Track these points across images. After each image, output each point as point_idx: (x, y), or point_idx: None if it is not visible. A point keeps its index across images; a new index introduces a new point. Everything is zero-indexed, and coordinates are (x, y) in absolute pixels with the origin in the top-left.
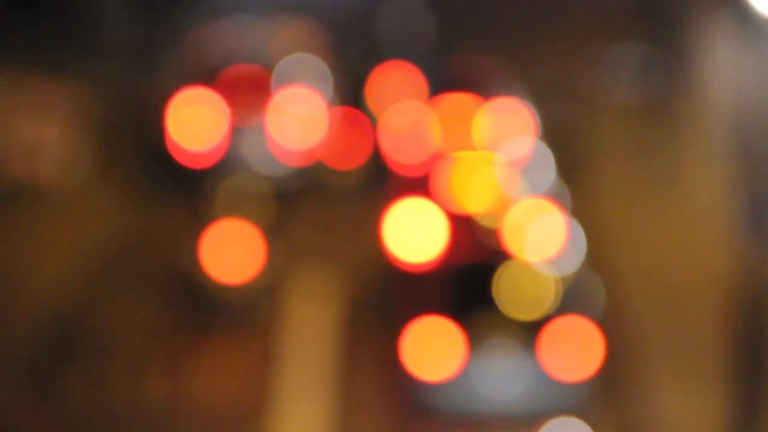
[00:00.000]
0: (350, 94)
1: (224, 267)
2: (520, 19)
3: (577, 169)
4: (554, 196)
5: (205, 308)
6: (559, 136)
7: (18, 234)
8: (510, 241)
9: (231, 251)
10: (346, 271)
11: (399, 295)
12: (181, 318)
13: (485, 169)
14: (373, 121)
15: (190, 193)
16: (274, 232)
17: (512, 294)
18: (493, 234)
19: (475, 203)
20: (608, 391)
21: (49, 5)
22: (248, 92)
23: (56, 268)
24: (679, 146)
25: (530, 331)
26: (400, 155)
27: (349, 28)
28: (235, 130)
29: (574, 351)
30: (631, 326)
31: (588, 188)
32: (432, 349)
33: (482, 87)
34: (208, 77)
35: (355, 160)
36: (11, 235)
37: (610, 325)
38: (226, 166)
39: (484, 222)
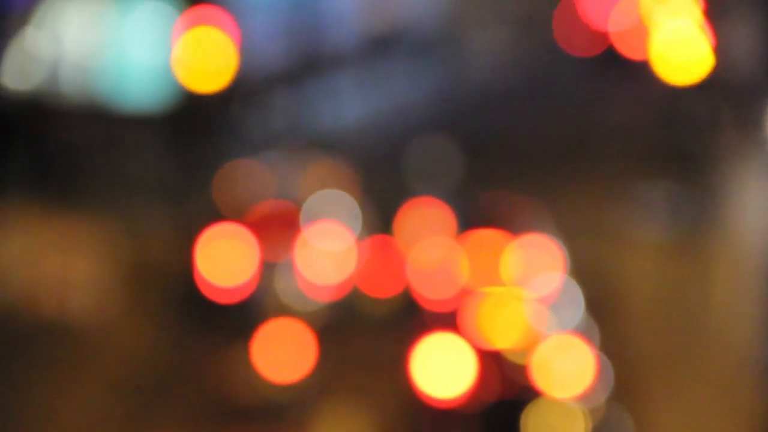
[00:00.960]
0: (379, 227)
1: None
2: (549, 156)
3: (605, 306)
4: (583, 332)
5: None
6: (587, 272)
7: (48, 371)
8: (539, 377)
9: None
10: (374, 406)
11: (427, 431)
12: None
13: (514, 304)
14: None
15: (221, 329)
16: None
17: (541, 431)
18: (521, 370)
19: (504, 339)
20: None
21: (73, 140)
22: (278, 228)
23: (86, 406)
24: (708, 284)
25: None
26: (428, 290)
27: (377, 164)
28: (265, 266)
29: None
30: None
31: (617, 325)
32: None
33: (511, 223)
34: (237, 213)
35: (387, 289)
36: (41, 372)
37: None
38: (256, 301)
39: (513, 358)
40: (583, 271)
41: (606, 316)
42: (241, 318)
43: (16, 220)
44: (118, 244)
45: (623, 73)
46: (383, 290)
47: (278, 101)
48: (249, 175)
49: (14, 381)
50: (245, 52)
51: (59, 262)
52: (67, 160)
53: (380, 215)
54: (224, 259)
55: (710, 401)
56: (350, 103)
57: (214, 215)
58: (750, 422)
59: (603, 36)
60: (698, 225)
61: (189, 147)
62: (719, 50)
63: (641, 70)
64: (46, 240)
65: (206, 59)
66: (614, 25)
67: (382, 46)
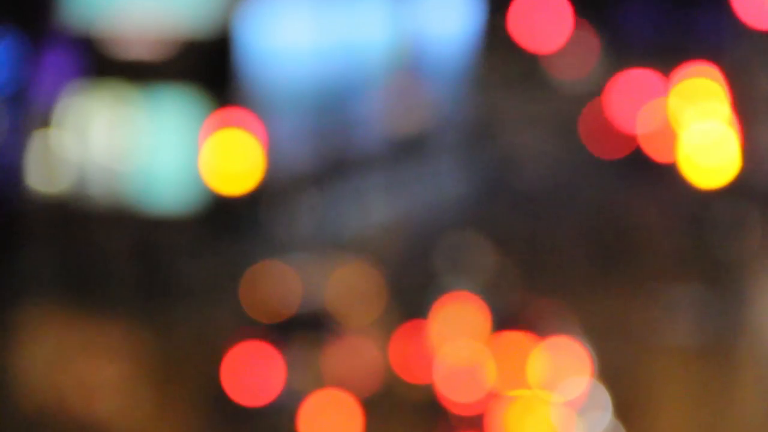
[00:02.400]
0: (411, 317)
1: None
2: (576, 257)
3: (633, 410)
4: None
5: None
6: (615, 376)
7: None
8: None
9: None
10: None
11: None
12: None
13: (541, 408)
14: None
15: (249, 428)
16: None
17: None
18: None
19: None
20: None
21: (100, 243)
22: (306, 330)
23: None
24: (736, 388)
25: None
26: (455, 392)
27: (405, 264)
28: (291, 368)
29: None
30: None
31: (644, 429)
32: None
33: (539, 325)
34: (264, 316)
35: (413, 377)
36: None
37: None
38: (283, 403)
39: None
40: (610, 375)
41: (633, 420)
42: (268, 420)
43: (45, 323)
44: (146, 346)
45: (651, 175)
46: (410, 376)
47: (306, 203)
48: (276, 277)
49: None
50: (273, 154)
51: (88, 365)
52: (95, 264)
53: (410, 308)
54: (251, 367)
55: None
56: (378, 204)
57: (242, 318)
58: None
59: (630, 138)
60: (726, 330)
61: (217, 249)
62: (747, 154)
63: (669, 173)
64: (75, 343)
65: (234, 162)
66: (642, 128)
67: (410, 148)
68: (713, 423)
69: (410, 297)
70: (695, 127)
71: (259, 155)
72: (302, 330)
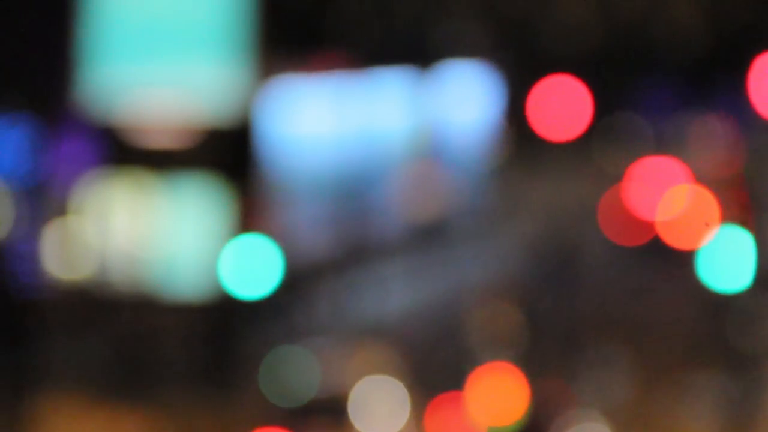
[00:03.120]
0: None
1: None
2: (598, 344)
3: None
4: None
5: None
6: None
7: None
8: None
9: None
10: None
11: None
12: None
13: None
14: None
15: None
16: None
17: None
18: None
19: None
20: None
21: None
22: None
23: None
24: None
25: None
26: None
27: (424, 349)
28: None
29: None
30: None
31: None
32: None
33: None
34: (283, 399)
35: None
36: None
37: None
38: None
39: None
40: None
41: None
42: None
43: (62, 411)
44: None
45: (670, 262)
46: None
47: (326, 289)
48: (296, 362)
49: None
50: (293, 240)
51: None
52: (113, 350)
53: (443, 382)
54: None
55: None
56: (398, 290)
57: (262, 403)
58: None
59: (649, 226)
60: (747, 418)
61: (236, 336)
62: (763, 245)
63: (688, 260)
64: (92, 429)
65: (251, 268)
66: (661, 215)
67: (430, 234)
68: None
69: (441, 372)
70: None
71: (279, 256)
72: (322, 414)
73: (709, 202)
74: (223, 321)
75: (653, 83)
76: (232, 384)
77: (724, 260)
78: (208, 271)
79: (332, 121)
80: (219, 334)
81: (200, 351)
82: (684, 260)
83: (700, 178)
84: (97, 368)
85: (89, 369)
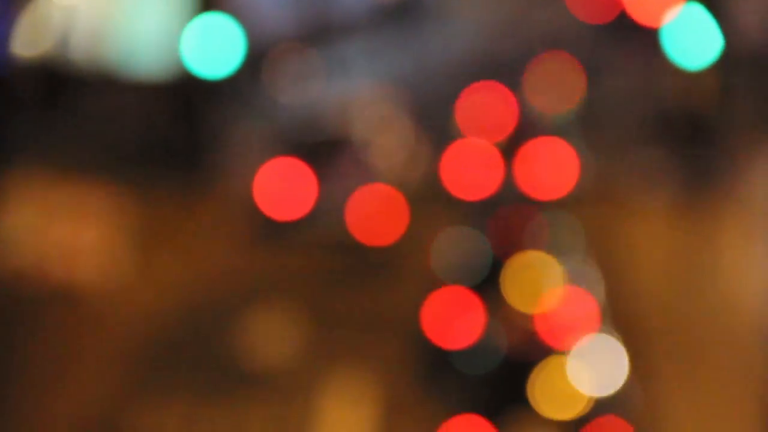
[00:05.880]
0: None
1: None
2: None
3: (614, 266)
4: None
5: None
6: (596, 238)
7: (55, 337)
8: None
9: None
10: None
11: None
12: (220, 415)
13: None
14: None
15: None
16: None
17: (548, 393)
18: (529, 332)
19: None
20: None
21: (84, 109)
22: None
23: (92, 372)
24: (717, 247)
25: (566, 428)
26: None
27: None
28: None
29: None
30: (665, 423)
31: (628, 292)
32: None
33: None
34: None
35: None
36: (49, 338)
37: (643, 420)
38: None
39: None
40: (591, 237)
41: (614, 273)
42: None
43: (25, 187)
44: (126, 210)
45: (635, 39)
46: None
47: (287, 69)
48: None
49: (22, 346)
50: (255, 19)
51: (68, 229)
52: (76, 127)
53: None
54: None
55: (719, 365)
56: (358, 71)
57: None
58: (760, 386)
59: (615, 2)
60: (708, 189)
61: (198, 113)
62: (732, 23)
63: (654, 37)
64: (55, 207)
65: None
66: None
67: (391, 13)
68: (694, 281)
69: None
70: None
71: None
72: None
73: None
74: (185, 100)
75: None
76: (194, 162)
77: (691, 36)
78: (171, 49)
79: None
80: (181, 113)
81: (162, 129)
82: (649, 37)
83: None
84: (60, 146)
85: (52, 147)
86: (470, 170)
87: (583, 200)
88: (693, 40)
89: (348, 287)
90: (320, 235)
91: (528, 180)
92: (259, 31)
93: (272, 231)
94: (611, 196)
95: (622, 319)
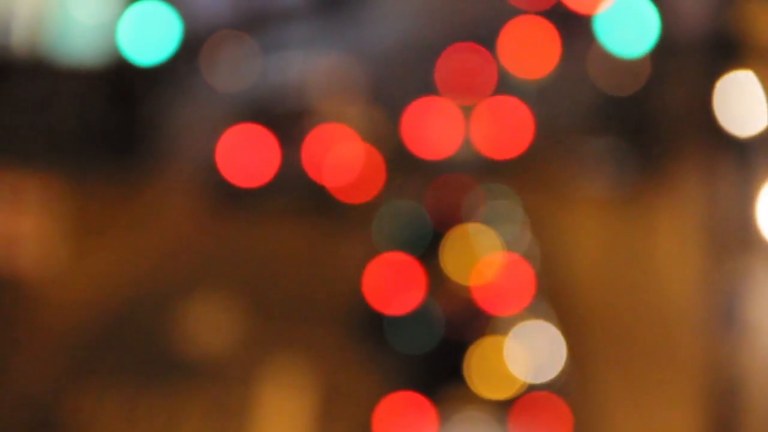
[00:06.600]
0: None
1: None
2: None
3: (552, 253)
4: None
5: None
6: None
7: None
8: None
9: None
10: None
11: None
12: (158, 404)
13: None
14: None
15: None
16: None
17: (484, 373)
18: (467, 302)
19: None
20: None
21: (19, 96)
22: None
23: (32, 358)
24: (653, 240)
25: (502, 407)
26: None
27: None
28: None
29: (545, 425)
30: (599, 405)
31: (562, 276)
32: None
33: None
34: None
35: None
36: None
37: (579, 402)
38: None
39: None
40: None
41: (549, 260)
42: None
43: None
44: (63, 198)
45: (571, 27)
46: None
47: (224, 57)
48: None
49: None
50: (191, 6)
51: (6, 217)
52: (11, 114)
53: None
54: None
55: (652, 349)
56: (297, 58)
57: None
58: (693, 374)
59: None
60: (643, 180)
61: (134, 100)
62: (672, 11)
63: (590, 25)
64: None
65: (148, 31)
66: None
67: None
68: (630, 271)
69: None
70: None
71: (178, 25)
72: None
73: None
74: (121, 86)
75: None
76: (131, 148)
77: (627, 24)
78: (107, 35)
79: None
80: (117, 99)
81: (98, 116)
82: (585, 25)
83: None
84: None
85: None
86: (431, 130)
87: (521, 187)
88: (629, 28)
89: (291, 266)
90: (281, 203)
91: (484, 139)
92: (196, 17)
93: (233, 198)
94: (548, 183)
95: (557, 305)
